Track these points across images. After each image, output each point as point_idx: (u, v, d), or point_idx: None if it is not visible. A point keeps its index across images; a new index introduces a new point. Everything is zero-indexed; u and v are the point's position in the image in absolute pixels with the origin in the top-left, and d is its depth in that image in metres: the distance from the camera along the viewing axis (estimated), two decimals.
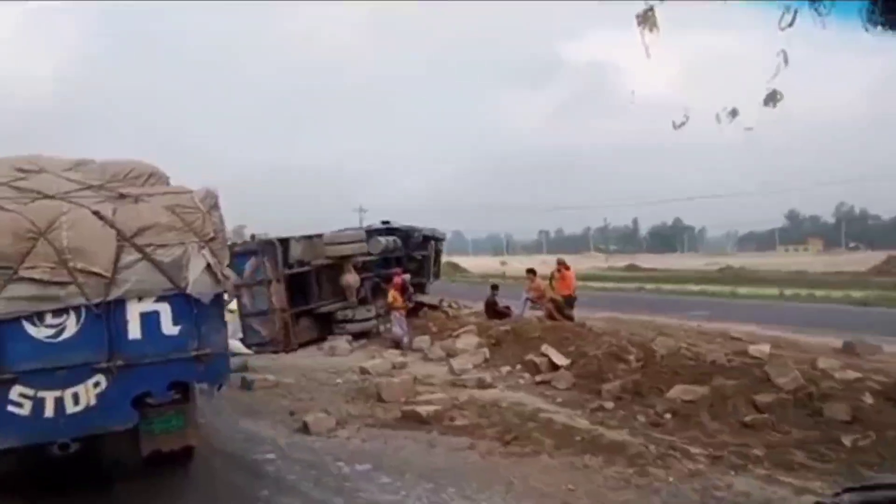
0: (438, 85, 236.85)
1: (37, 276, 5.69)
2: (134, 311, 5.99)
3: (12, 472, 6.27)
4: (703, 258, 76.09)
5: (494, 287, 17.43)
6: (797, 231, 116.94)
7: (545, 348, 11.78)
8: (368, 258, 17.71)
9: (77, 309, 5.82)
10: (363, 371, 12.52)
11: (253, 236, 27.00)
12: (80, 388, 5.77)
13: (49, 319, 5.75)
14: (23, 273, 5.65)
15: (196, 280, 6.09)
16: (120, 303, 5.94)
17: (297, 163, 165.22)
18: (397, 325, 15.33)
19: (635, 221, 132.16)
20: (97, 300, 5.84)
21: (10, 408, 5.56)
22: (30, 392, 5.61)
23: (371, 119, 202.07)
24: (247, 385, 11.60)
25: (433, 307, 19.28)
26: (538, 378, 11.28)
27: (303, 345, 15.88)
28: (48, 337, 5.76)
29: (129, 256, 6.03)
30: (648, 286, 39.06)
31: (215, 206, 6.62)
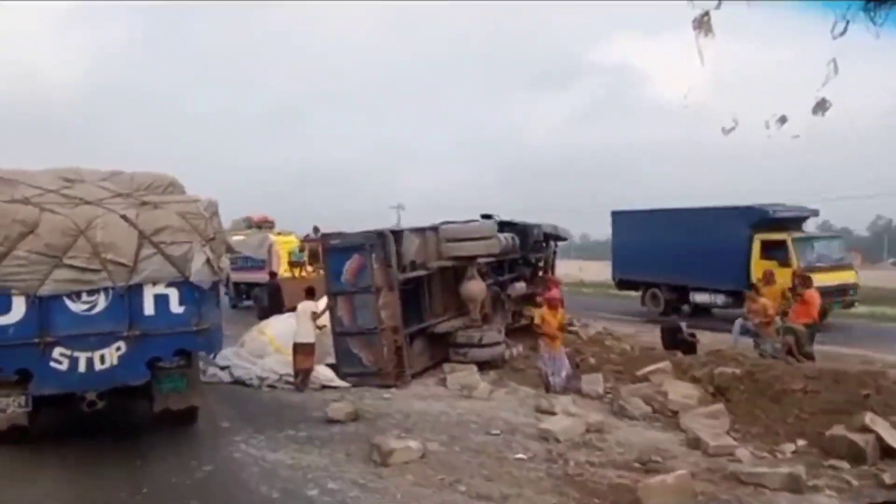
0: (466, 86, 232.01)
1: (76, 264, 7.38)
2: (149, 293, 7.64)
3: (52, 423, 8.23)
4: None
5: (676, 309, 12.82)
6: None
7: (870, 419, 7.34)
8: (488, 261, 13.41)
9: (106, 290, 7.48)
10: (546, 436, 8.17)
11: (316, 229, 22.93)
12: (106, 351, 7.42)
13: (84, 297, 7.44)
14: (66, 261, 7.34)
15: (198, 270, 7.73)
16: (138, 286, 7.59)
17: (324, 161, 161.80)
18: (548, 361, 10.58)
19: None
20: (121, 284, 7.50)
21: (52, 364, 7.25)
22: (67, 352, 7.30)
23: (399, 118, 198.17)
24: (381, 458, 7.31)
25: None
26: (862, 471, 6.88)
27: (414, 375, 11.55)
28: (83, 311, 7.43)
29: (147, 251, 7.66)
30: None
31: (216, 213, 8.25)
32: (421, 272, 11.90)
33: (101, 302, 7.47)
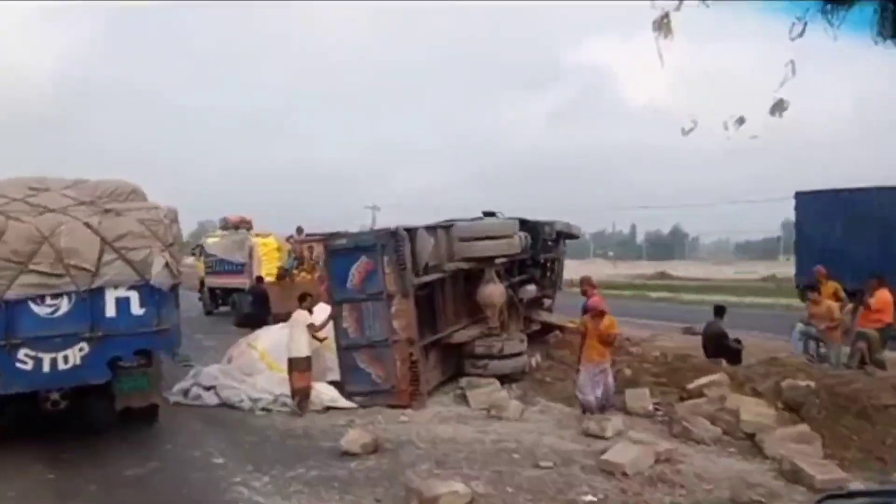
0: (439, 87, 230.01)
1: (41, 270, 7.68)
2: (111, 296, 7.91)
3: (13, 423, 8.10)
4: (706, 266, 71.64)
5: (720, 310, 11.57)
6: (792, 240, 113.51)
7: None
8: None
9: (69, 294, 7.77)
10: (610, 469, 6.84)
11: (300, 229, 21.33)
12: (69, 352, 7.72)
13: (48, 301, 7.73)
14: (31, 267, 7.66)
15: (157, 274, 8.02)
16: (100, 290, 7.87)
17: (299, 162, 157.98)
18: (582, 377, 8.94)
19: (633, 227, 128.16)
20: (84, 288, 7.79)
21: (18, 364, 7.57)
22: (32, 353, 7.61)
23: (373, 120, 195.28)
24: None
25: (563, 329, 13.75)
26: None
27: (429, 393, 10.14)
28: (47, 314, 7.73)
29: (109, 256, 7.93)
30: (756, 301, 33.14)
31: (175, 220, 8.66)
32: (436, 275, 10.49)
33: (65, 305, 7.78)
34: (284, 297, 17.38)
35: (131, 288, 7.94)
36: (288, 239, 21.04)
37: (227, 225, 25.46)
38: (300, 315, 9.86)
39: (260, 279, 16.37)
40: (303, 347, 9.55)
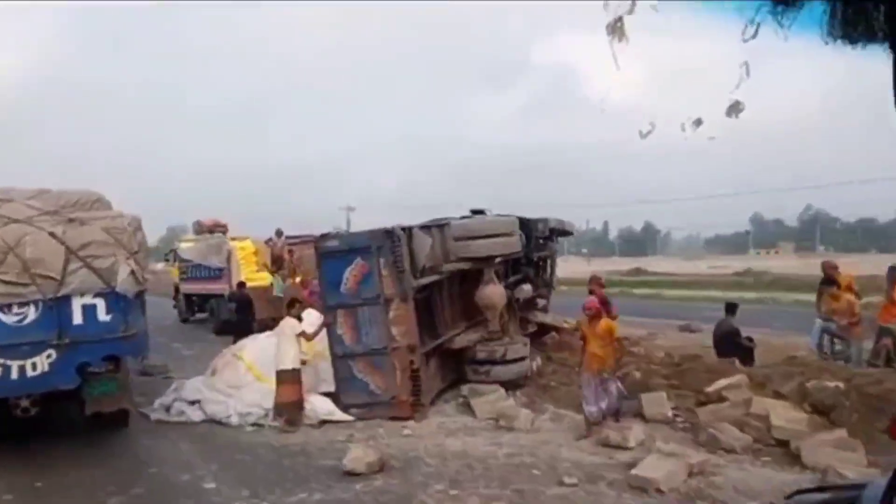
0: (408, 85, 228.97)
1: (7, 279, 7.77)
2: (77, 304, 8.00)
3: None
4: (678, 262, 72.16)
5: (731, 308, 11.07)
6: (763, 234, 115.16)
7: None
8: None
9: (36, 302, 7.85)
10: (642, 485, 6.32)
11: (279, 232, 20.53)
12: (37, 359, 7.77)
13: (15, 309, 7.80)
14: None
15: (123, 281, 8.11)
16: (67, 298, 7.95)
17: (271, 162, 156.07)
18: (584, 386, 8.23)
19: (605, 224, 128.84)
20: (51, 296, 7.86)
21: None
22: (0, 360, 7.60)
23: (340, 120, 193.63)
24: None
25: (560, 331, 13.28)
26: None
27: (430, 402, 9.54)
28: (15, 322, 7.80)
29: (75, 265, 8.01)
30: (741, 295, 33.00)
31: (139, 228, 8.77)
32: (434, 277, 9.89)
33: (32, 313, 7.85)
34: (266, 302, 16.71)
35: (97, 295, 8.06)
36: (267, 242, 20.26)
37: (200, 229, 24.45)
38: (288, 323, 9.20)
39: (242, 284, 15.58)
40: (292, 359, 8.90)
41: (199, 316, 22.86)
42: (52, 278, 7.86)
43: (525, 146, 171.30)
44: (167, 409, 9.97)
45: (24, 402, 7.91)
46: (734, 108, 3.46)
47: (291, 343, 8.93)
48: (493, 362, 10.11)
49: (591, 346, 8.21)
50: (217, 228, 24.71)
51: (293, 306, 9.80)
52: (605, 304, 9.73)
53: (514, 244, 10.66)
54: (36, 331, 7.80)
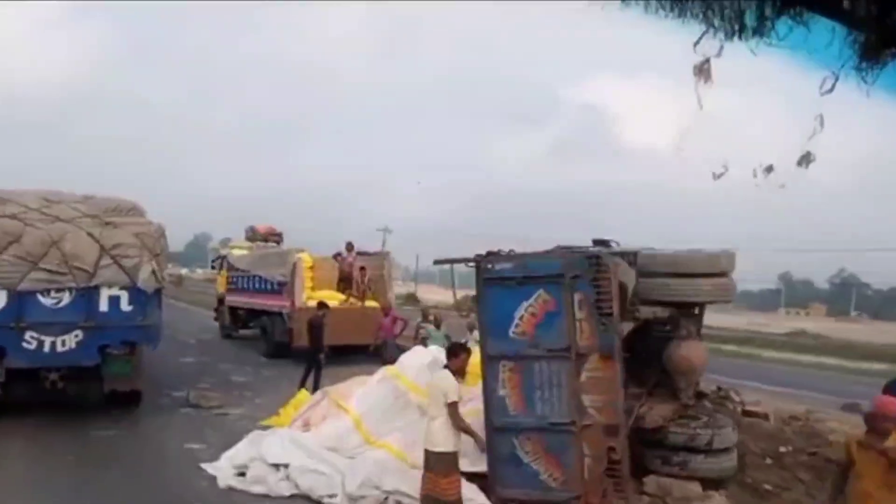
0: (439, 117, 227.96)
1: (49, 268, 9.21)
2: (105, 294, 9.46)
3: (22, 397, 9.57)
4: (709, 314, 69.21)
5: None
6: (791, 294, 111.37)
7: None
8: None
9: (70, 289, 9.32)
10: None
11: (350, 245, 17.81)
12: (67, 337, 9.23)
13: (53, 294, 9.28)
14: (41, 265, 9.21)
15: (144, 279, 9.55)
16: (96, 288, 9.43)
17: (296, 182, 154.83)
18: None
19: None
20: (83, 285, 9.34)
21: (24, 344, 9.10)
22: (36, 335, 9.12)
23: (368, 145, 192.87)
24: None
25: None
26: None
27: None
28: (51, 304, 9.26)
29: (106, 261, 9.49)
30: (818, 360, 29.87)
31: (163, 235, 10.20)
32: (629, 324, 7.11)
33: (66, 298, 9.37)
34: (345, 324, 14.05)
35: (122, 289, 9.50)
36: (335, 257, 17.62)
37: (254, 236, 21.93)
38: (443, 383, 6.23)
39: (324, 305, 12.64)
40: (447, 436, 5.95)
41: (244, 332, 20.26)
42: (85, 271, 9.35)
43: (555, 183, 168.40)
44: (241, 471, 7.27)
45: (54, 376, 9.33)
46: (805, 159, 3.46)
47: (445, 411, 6.03)
48: (694, 450, 7.25)
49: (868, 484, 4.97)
50: (272, 237, 22.21)
51: (458, 354, 6.66)
52: None
53: (729, 289, 7.85)
54: (68, 313, 9.33)
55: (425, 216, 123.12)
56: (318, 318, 12.00)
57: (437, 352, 8.71)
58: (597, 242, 10.70)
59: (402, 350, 14.21)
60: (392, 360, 13.43)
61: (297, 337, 15.19)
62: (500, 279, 6.65)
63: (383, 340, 13.54)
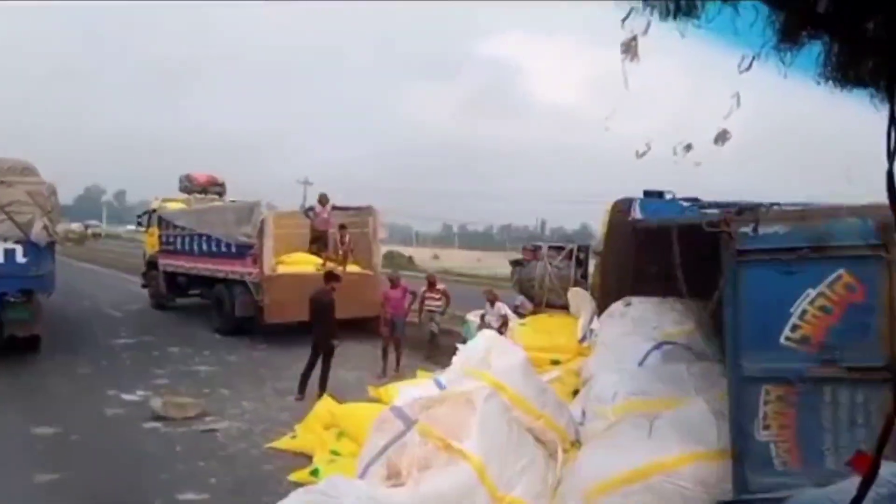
0: (352, 72, 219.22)
1: None
2: (0, 248, 10.45)
3: None
4: None
5: None
6: None
7: None
8: None
9: None
10: None
11: (324, 199, 14.39)
12: None
13: None
14: None
15: (37, 233, 10.55)
16: None
17: (207, 132, 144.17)
18: None
19: (542, 222, 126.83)
20: None
21: None
22: None
23: (289, 96, 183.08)
24: None
25: None
26: None
27: None
28: None
29: (0, 217, 10.41)
30: None
31: (54, 193, 11.12)
32: None
33: None
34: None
35: (17, 242, 10.56)
36: (306, 213, 14.50)
37: (190, 187, 18.26)
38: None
39: (333, 276, 9.48)
40: None
41: (182, 301, 16.86)
42: None
43: (466, 137, 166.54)
44: None
45: None
46: (721, 137, 3.53)
47: None
48: None
49: None
50: (212, 187, 18.64)
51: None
52: None
53: None
54: None
55: (343, 167, 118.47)
56: (326, 293, 9.03)
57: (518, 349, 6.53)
58: (647, 193, 8.54)
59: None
60: (398, 341, 10.86)
61: (272, 311, 12.28)
62: (766, 252, 4.09)
63: (391, 319, 10.77)
